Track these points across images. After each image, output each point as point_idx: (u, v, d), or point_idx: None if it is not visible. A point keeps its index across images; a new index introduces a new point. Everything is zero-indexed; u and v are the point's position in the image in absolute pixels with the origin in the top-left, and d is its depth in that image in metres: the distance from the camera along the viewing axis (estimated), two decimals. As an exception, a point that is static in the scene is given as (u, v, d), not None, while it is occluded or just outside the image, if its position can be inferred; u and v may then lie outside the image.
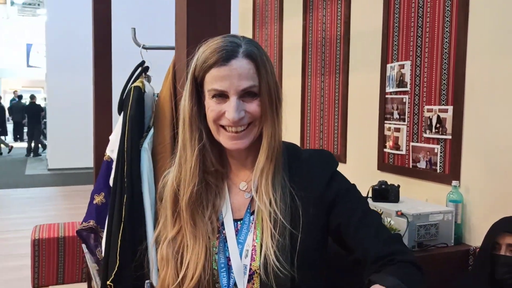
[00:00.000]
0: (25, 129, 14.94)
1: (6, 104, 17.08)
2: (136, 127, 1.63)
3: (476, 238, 2.14)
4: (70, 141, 10.10)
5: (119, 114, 1.80)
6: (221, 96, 0.99)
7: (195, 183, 1.01)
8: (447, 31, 2.30)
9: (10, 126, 16.72)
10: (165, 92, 1.65)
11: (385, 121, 2.71)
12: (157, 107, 1.70)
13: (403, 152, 2.57)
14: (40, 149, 13.75)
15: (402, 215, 2.01)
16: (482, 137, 2.13)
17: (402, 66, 2.57)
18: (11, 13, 22.15)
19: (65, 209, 7.01)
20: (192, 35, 1.44)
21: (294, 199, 1.00)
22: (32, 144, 13.49)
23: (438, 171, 2.35)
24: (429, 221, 2.04)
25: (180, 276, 1.01)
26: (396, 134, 2.62)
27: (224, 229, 1.04)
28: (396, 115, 2.62)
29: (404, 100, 2.56)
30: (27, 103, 14.28)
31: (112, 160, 1.92)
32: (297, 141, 3.57)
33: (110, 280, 1.55)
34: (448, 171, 2.30)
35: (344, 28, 3.05)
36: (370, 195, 2.20)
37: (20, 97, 16.12)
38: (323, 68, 3.29)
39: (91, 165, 3.62)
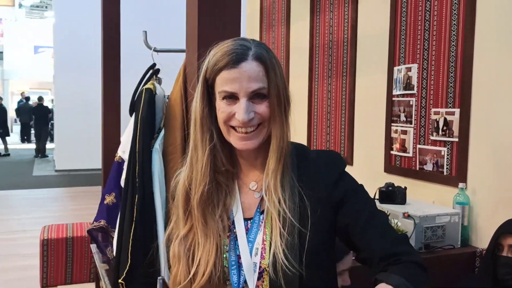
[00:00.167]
0: (32, 131, 15.05)
1: (14, 106, 17.21)
2: (147, 129, 1.66)
3: (482, 240, 2.15)
4: (77, 142, 10.17)
5: (131, 115, 1.82)
6: (231, 97, 1.01)
7: (206, 183, 1.04)
8: (454, 34, 2.31)
9: (17, 128, 16.83)
10: (176, 94, 1.67)
11: (392, 124, 2.72)
12: (167, 109, 1.72)
13: (410, 155, 2.58)
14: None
15: (409, 216, 2.03)
16: (488, 140, 2.15)
17: (409, 69, 2.58)
18: (19, 15, 22.32)
19: (72, 210, 7.06)
20: (203, 39, 1.47)
21: (302, 198, 1.02)
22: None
23: (445, 173, 2.36)
24: (436, 223, 2.06)
25: (192, 273, 1.03)
26: (403, 136, 2.63)
27: (234, 227, 1.06)
28: (403, 118, 2.63)
29: (411, 103, 2.57)
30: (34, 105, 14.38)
31: (123, 161, 1.94)
32: (303, 143, 3.58)
33: (121, 278, 1.57)
34: (455, 173, 2.31)
35: (351, 31, 3.07)
36: (377, 197, 2.22)
37: (27, 98, 16.23)
38: (330, 70, 3.31)
39: (97, 166, 3.64)
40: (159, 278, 1.39)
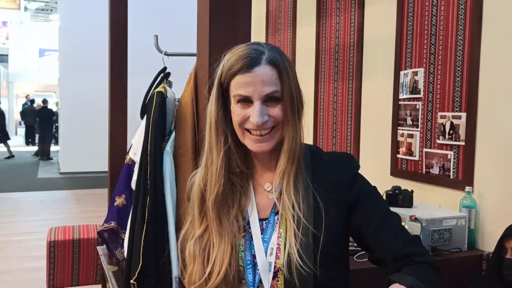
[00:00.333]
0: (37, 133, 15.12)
1: (18, 108, 17.29)
2: (159, 131, 1.68)
3: (489, 243, 2.16)
4: (82, 145, 10.22)
5: (142, 118, 1.85)
6: (246, 101, 1.03)
7: (220, 184, 1.06)
8: (460, 38, 2.33)
9: (22, 130, 16.89)
10: (187, 98, 1.69)
11: (398, 127, 2.74)
12: (178, 112, 1.74)
13: (416, 158, 2.60)
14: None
15: (416, 220, 2.04)
16: (495, 144, 2.16)
17: (415, 73, 2.60)
18: (24, 18, 22.42)
19: (77, 212, 7.09)
20: (214, 43, 1.49)
21: (316, 199, 1.04)
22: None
23: (451, 177, 2.37)
24: (443, 226, 2.07)
25: (207, 272, 1.05)
26: (409, 140, 2.65)
27: (250, 227, 1.08)
28: (409, 121, 2.65)
29: (417, 107, 2.59)
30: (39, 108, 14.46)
31: (133, 163, 1.96)
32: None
33: (133, 279, 1.59)
34: (462, 177, 2.32)
35: (357, 35, 3.09)
36: (384, 200, 2.23)
37: (32, 101, 16.31)
38: (336, 74, 3.32)
39: (102, 169, 3.67)
40: (174, 276, 1.41)
